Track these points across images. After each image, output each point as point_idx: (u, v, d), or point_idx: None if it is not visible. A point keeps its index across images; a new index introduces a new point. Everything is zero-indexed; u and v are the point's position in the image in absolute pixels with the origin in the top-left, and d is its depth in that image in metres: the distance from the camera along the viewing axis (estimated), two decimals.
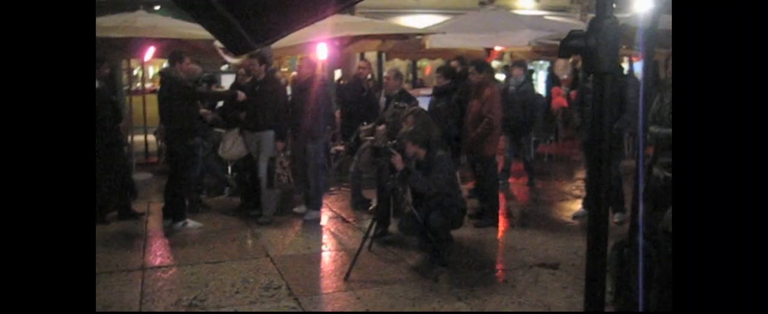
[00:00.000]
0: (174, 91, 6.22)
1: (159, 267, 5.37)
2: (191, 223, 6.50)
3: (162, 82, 6.58)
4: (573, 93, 11.64)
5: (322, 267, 5.49)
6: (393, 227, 6.01)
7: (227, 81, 12.45)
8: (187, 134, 6.28)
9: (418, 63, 15.67)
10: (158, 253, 5.83)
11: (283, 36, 2.29)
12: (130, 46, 9.69)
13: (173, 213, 6.46)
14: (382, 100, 7.26)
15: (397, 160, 5.12)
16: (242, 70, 7.02)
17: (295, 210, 7.02)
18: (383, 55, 11.73)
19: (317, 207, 6.84)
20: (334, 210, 7.34)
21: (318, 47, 8.69)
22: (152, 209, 7.46)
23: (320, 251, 5.87)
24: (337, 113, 8.73)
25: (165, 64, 6.86)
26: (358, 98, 7.72)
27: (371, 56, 13.37)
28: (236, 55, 6.51)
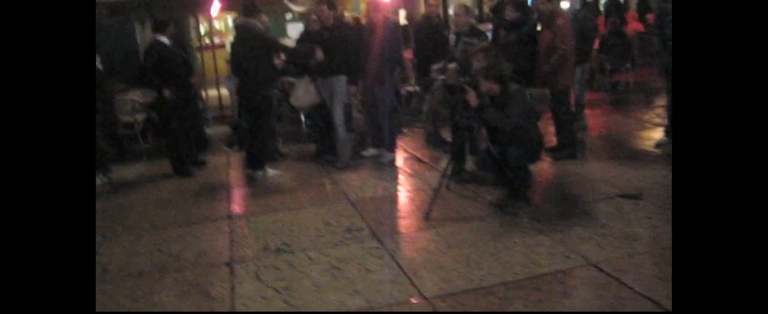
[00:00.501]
0: (252, 43, 6.31)
1: (244, 215, 5.57)
2: (271, 171, 6.69)
3: (237, 34, 6.69)
4: (651, 16, 11.09)
5: (400, 207, 5.56)
6: (469, 164, 5.99)
7: (293, 30, 12.50)
8: (263, 85, 6.39)
9: None
10: (242, 202, 6.04)
11: None
12: (196, 3, 9.86)
13: (254, 162, 6.66)
14: (452, 37, 7.13)
15: (472, 97, 5.05)
16: (314, 17, 6.98)
17: (364, 153, 7.09)
18: None
19: (391, 148, 6.88)
20: (409, 150, 7.36)
21: None
22: (231, 160, 7.72)
23: (398, 192, 5.93)
24: (409, 53, 8.65)
25: (235, 17, 6.96)
26: (430, 37, 7.61)
27: None
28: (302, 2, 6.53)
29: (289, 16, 11.87)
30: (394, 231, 4.87)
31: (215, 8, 9.89)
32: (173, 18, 7.34)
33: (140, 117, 9.11)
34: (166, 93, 6.79)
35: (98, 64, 7.29)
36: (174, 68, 6.83)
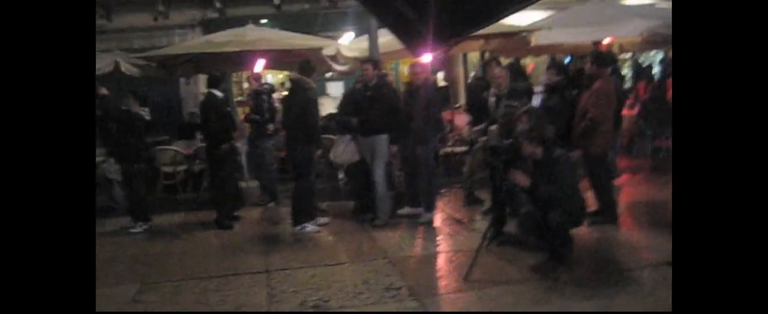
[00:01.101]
0: (303, 100, 6.51)
1: (282, 269, 5.57)
2: (310, 227, 6.72)
3: (292, 90, 6.90)
4: None
5: (440, 267, 5.51)
6: (509, 226, 5.94)
7: (333, 88, 12.74)
8: (308, 140, 6.52)
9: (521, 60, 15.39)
10: (281, 256, 6.04)
11: (464, 36, 2.35)
12: (240, 59, 10.14)
13: (296, 217, 6.73)
14: (491, 99, 7.18)
15: (520, 178, 5.05)
16: (365, 73, 7.07)
17: (401, 212, 7.09)
18: (485, 54, 11.61)
19: (431, 208, 6.88)
20: (447, 211, 7.35)
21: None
22: (268, 214, 7.79)
23: (437, 252, 5.89)
24: (449, 114, 8.75)
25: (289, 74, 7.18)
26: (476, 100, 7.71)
27: (474, 56, 13.28)
28: (416, 55, 6.67)
29: (329, 74, 12.12)
30: (433, 291, 4.81)
31: (259, 65, 10.15)
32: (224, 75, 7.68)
33: (181, 168, 9.28)
34: (224, 146, 7.10)
35: (146, 115, 7.51)
36: (227, 121, 7.15)
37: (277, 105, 8.51)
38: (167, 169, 9.39)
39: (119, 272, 5.71)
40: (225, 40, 9.47)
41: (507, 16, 2.33)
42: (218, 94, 7.24)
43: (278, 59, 10.09)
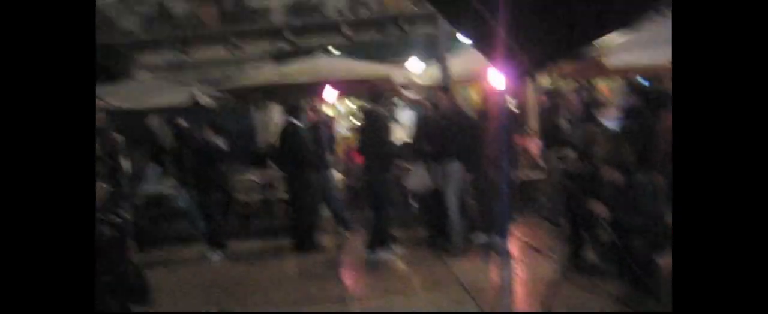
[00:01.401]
0: (377, 128, 6.59)
1: (357, 297, 5.54)
2: (385, 254, 6.70)
3: (367, 118, 7.01)
4: None
5: (517, 297, 5.35)
6: (588, 254, 5.73)
7: (404, 116, 12.77)
8: (386, 168, 6.55)
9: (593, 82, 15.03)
10: (355, 284, 6.03)
11: (560, 60, 2.36)
12: (312, 88, 10.32)
13: (371, 244, 6.78)
14: (564, 122, 7.04)
15: (600, 208, 4.89)
16: (437, 100, 7.08)
17: (475, 239, 6.96)
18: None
19: (505, 235, 6.70)
20: (523, 238, 7.17)
21: (492, 75, 8.64)
22: (343, 241, 7.83)
23: (513, 280, 5.72)
24: (522, 139, 8.61)
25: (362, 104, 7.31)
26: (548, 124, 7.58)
27: (544, 80, 13.03)
28: (515, 78, 6.70)
29: (399, 101, 12.19)
30: None
31: (329, 94, 10.29)
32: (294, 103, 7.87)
33: (256, 196, 9.45)
34: (309, 173, 7.36)
35: (222, 144, 7.71)
36: (307, 148, 7.36)
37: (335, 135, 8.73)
38: (242, 198, 9.59)
39: (198, 298, 5.82)
40: (297, 70, 9.68)
41: (600, 37, 2.32)
42: (296, 122, 7.46)
43: (349, 88, 10.22)
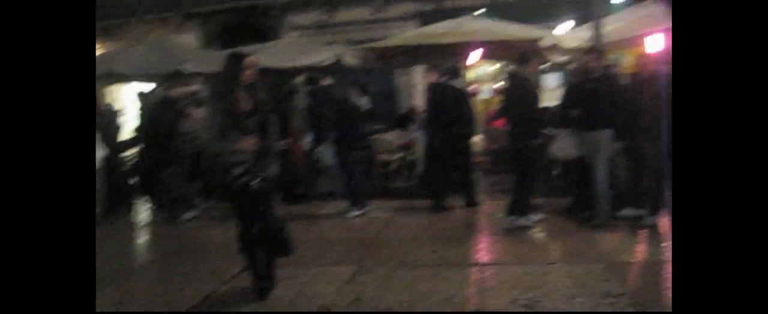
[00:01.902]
0: (524, 92, 6.42)
1: (494, 263, 5.45)
2: (523, 221, 6.54)
3: (512, 82, 6.86)
4: None
5: (666, 276, 5.01)
6: None
7: (550, 81, 12.31)
8: (530, 133, 6.37)
9: None
10: (494, 249, 5.94)
11: None
12: (456, 50, 10.16)
13: (515, 209, 6.63)
14: None
15: None
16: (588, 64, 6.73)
17: (622, 213, 6.58)
18: None
19: (657, 211, 6.29)
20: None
21: (651, 40, 8.02)
22: (483, 206, 7.74)
23: (663, 259, 5.36)
24: None
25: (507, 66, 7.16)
26: None
27: None
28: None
29: (546, 65, 11.72)
30: (660, 302, 4.37)
31: (473, 56, 10.09)
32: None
33: (396, 156, 9.56)
34: (469, 131, 7.78)
35: (366, 104, 7.82)
36: (465, 109, 7.69)
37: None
38: (383, 157, 9.73)
39: (338, 254, 6.01)
40: (441, 31, 9.54)
41: None
42: (455, 84, 7.76)
43: (494, 50, 9.95)
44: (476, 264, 5.43)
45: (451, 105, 7.55)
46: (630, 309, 4.24)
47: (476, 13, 12.27)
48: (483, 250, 5.89)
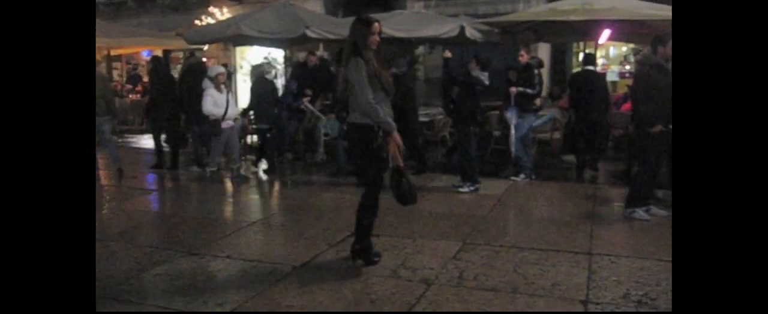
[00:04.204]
0: (652, 77, 6.09)
1: (607, 254, 5.22)
2: (641, 213, 6.24)
3: (641, 67, 6.52)
4: None
5: None
6: None
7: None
8: (653, 122, 6.08)
9: None
10: (609, 239, 5.68)
11: None
12: (585, 29, 9.72)
13: (630, 199, 6.39)
14: None
15: None
16: None
17: None
18: None
19: None
20: None
21: None
22: (603, 192, 7.43)
23: None
24: None
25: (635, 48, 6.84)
26: None
27: None
28: None
29: None
30: None
31: (603, 36, 9.62)
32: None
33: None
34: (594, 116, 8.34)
35: (485, 79, 7.66)
36: (600, 94, 8.40)
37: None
38: (497, 133, 9.55)
39: (445, 228, 5.98)
40: (571, 8, 9.11)
41: None
42: (592, 68, 8.37)
43: (627, 31, 9.45)
44: (588, 252, 5.22)
45: (596, 91, 8.25)
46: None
47: None
48: (597, 239, 5.65)
